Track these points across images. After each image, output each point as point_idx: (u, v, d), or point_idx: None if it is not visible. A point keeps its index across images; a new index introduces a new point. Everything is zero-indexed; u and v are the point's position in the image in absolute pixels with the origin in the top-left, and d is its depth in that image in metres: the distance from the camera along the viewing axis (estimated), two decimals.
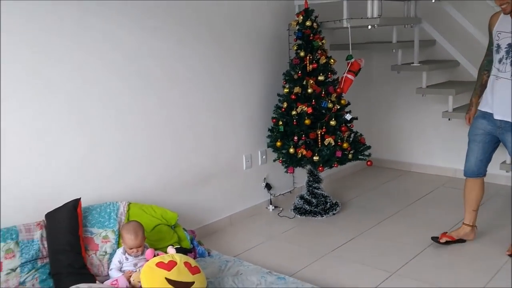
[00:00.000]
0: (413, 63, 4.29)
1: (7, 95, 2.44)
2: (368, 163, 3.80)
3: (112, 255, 2.57)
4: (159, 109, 3.18)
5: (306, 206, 3.88)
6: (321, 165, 3.62)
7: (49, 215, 2.53)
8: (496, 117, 2.86)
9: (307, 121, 3.55)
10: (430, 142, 4.87)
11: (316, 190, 3.92)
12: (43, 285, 2.36)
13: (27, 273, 2.36)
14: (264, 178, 4.04)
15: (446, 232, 3.21)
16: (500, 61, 2.81)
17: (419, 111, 4.85)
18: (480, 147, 3.01)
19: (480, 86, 3.10)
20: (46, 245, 2.46)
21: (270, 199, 4.07)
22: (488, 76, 2.97)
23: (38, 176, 2.61)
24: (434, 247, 3.19)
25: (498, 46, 2.83)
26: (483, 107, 2.98)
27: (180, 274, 2.21)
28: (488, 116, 2.93)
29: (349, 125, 3.75)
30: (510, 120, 2.80)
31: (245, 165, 3.86)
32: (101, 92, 2.85)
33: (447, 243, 3.16)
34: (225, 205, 3.74)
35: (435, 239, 3.17)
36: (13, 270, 2.33)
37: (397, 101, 5.00)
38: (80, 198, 2.59)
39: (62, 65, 2.65)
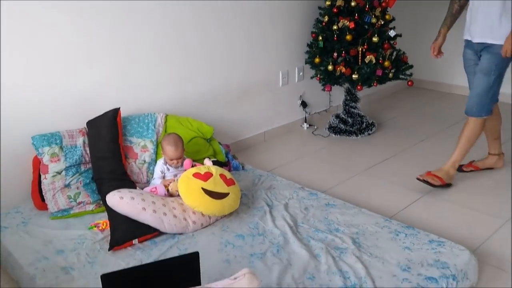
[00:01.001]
0: None
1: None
2: (409, 83, 3.67)
3: (150, 164, 2.67)
4: (195, 25, 3.11)
5: (342, 125, 3.85)
6: (360, 83, 3.53)
7: (90, 123, 2.61)
8: (475, 40, 2.76)
9: (348, 37, 3.42)
10: None
11: (352, 110, 3.86)
12: (87, 188, 2.49)
13: (72, 176, 2.48)
14: (300, 96, 4.00)
15: (473, 161, 3.14)
16: None
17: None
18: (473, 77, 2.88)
19: (450, 16, 2.95)
20: (88, 152, 2.56)
21: (305, 117, 4.05)
22: (460, 5, 2.89)
23: (80, 85, 2.66)
24: (470, 171, 3.15)
25: None
26: (465, 34, 2.87)
27: (216, 185, 2.28)
28: (470, 44, 2.82)
29: (392, 42, 3.59)
30: (488, 41, 2.69)
31: (281, 82, 3.81)
32: (143, 11, 2.80)
33: (471, 172, 3.10)
34: (260, 121, 3.75)
35: (459, 168, 3.08)
36: (59, 173, 2.46)
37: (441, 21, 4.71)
38: (119, 107, 2.64)
39: None
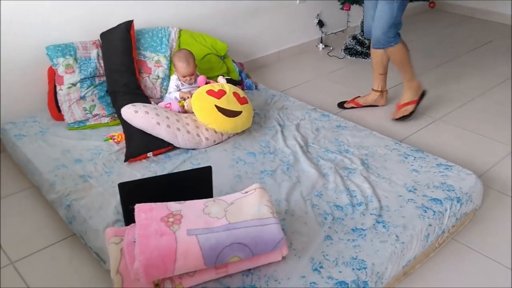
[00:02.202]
0: None
1: None
2: (431, 4, 3.55)
3: (164, 79, 2.67)
4: None
5: (358, 47, 3.77)
6: None
7: (103, 35, 2.58)
8: None
9: None
10: None
11: None
12: (101, 101, 2.52)
13: (87, 88, 2.51)
14: (317, 15, 3.88)
15: (357, 97, 3.03)
16: None
17: None
18: (373, 4, 2.67)
19: None
20: (102, 64, 2.56)
21: (321, 37, 3.96)
22: None
23: None
24: (482, 98, 3.13)
25: None
26: None
27: (229, 103, 2.30)
28: None
29: None
30: None
31: None
32: None
33: (352, 108, 2.99)
34: (275, 40, 3.68)
35: (341, 104, 3.01)
36: (74, 84, 2.48)
37: None
38: (132, 20, 2.60)
39: None
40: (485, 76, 3.42)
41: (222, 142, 2.34)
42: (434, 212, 1.86)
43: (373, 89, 3.01)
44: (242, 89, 2.86)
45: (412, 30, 4.36)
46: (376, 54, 2.83)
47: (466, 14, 4.73)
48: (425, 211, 1.86)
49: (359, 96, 3.05)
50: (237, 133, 2.38)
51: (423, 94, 2.82)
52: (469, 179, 2.05)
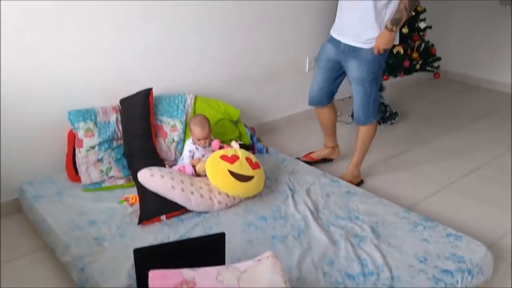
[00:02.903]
0: None
1: None
2: (436, 75, 3.68)
3: (178, 143, 2.76)
4: (230, 4, 3.15)
5: None
6: (386, 73, 3.55)
7: (123, 101, 2.70)
8: (344, 41, 2.64)
9: None
10: (502, 57, 4.58)
11: None
12: (118, 163, 2.59)
13: (104, 151, 2.59)
14: None
15: (311, 153, 3.19)
16: None
17: (498, 25, 4.50)
18: (323, 73, 2.82)
19: None
20: (120, 128, 2.66)
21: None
22: None
23: (115, 64, 2.74)
24: (489, 167, 3.18)
25: None
26: (332, 31, 2.75)
27: (242, 167, 2.36)
28: (335, 41, 2.71)
29: (421, 33, 3.58)
30: (355, 45, 2.59)
31: (307, 67, 3.84)
32: None
33: (309, 163, 3.03)
34: (285, 105, 3.81)
35: (298, 158, 3.10)
36: (92, 148, 2.57)
37: (476, 12, 4.64)
38: (152, 88, 2.72)
39: None
40: (491, 145, 3.49)
41: (234, 205, 2.39)
42: (446, 283, 1.86)
43: (325, 145, 3.18)
44: (254, 153, 2.94)
45: (418, 97, 4.50)
46: (323, 119, 3.04)
47: (470, 83, 4.89)
48: (437, 283, 1.86)
49: (313, 151, 3.20)
50: (249, 197, 2.43)
51: (360, 183, 2.94)
52: (479, 250, 2.07)
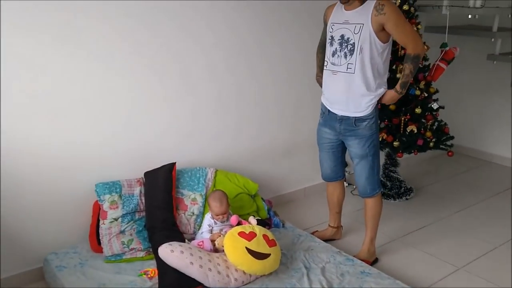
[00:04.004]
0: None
1: (120, 66, 2.73)
2: (449, 153, 3.77)
3: (198, 216, 2.86)
4: (250, 81, 3.35)
5: None
6: (400, 151, 3.65)
7: (147, 174, 2.84)
8: (336, 112, 2.72)
9: (392, 107, 3.57)
10: None
11: (392, 174, 3.97)
12: (139, 235, 2.69)
13: (127, 223, 2.70)
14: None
15: (315, 231, 3.22)
16: (333, 54, 2.64)
17: (510, 104, 4.64)
18: (330, 155, 2.93)
19: (321, 54, 2.89)
20: (143, 200, 2.78)
21: (345, 177, 4.18)
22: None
23: (141, 138, 2.91)
24: (508, 246, 3.18)
25: (332, 38, 2.64)
26: (324, 101, 2.80)
27: (259, 245, 2.44)
28: (328, 122, 2.79)
29: (434, 113, 3.71)
30: (349, 115, 2.67)
31: None
32: (203, 67, 3.07)
33: None
34: (301, 177, 3.91)
35: (312, 234, 3.13)
36: (116, 219, 2.68)
37: (488, 92, 4.80)
38: (175, 162, 2.87)
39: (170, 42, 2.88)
40: (507, 224, 3.50)
41: (250, 282, 2.44)
42: None
43: (330, 226, 3.23)
44: (270, 227, 3.01)
45: (433, 173, 4.57)
46: (333, 195, 3.11)
47: (484, 158, 4.95)
48: None
49: (317, 231, 3.24)
50: (265, 274, 2.48)
51: (375, 261, 2.96)
52: None
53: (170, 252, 2.35)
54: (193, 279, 2.33)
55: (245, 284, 2.41)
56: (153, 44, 2.82)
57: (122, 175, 2.85)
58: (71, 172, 2.71)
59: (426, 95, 3.61)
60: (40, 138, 2.57)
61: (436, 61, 3.66)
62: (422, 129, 3.63)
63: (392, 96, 2.66)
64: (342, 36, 2.58)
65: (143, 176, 2.87)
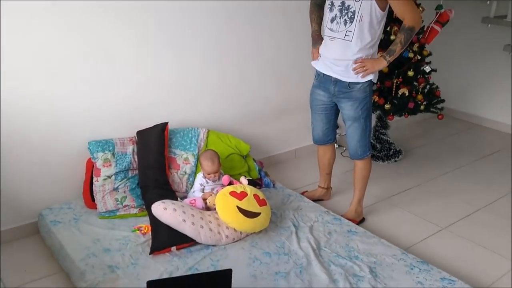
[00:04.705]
0: (506, 17, 4.07)
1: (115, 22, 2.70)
2: (439, 116, 3.82)
3: (190, 175, 2.91)
4: (246, 43, 3.33)
5: None
6: (391, 113, 3.69)
7: (140, 133, 2.86)
8: (331, 74, 2.72)
9: (384, 69, 3.57)
10: (506, 100, 4.72)
11: (382, 136, 4.03)
12: (132, 193, 2.75)
13: (120, 181, 2.75)
14: None
15: (305, 192, 3.30)
16: (332, 20, 2.63)
17: (502, 68, 4.65)
18: (323, 117, 2.96)
19: (317, 11, 2.84)
20: (136, 159, 2.81)
21: (336, 139, 4.22)
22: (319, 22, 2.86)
23: (134, 97, 2.92)
24: (487, 210, 3.29)
25: (332, 4, 2.62)
26: (319, 66, 2.81)
27: (250, 204, 2.50)
28: (323, 84, 2.81)
29: (427, 76, 3.73)
30: (345, 80, 2.68)
31: None
32: (199, 28, 3.04)
33: None
34: (292, 139, 3.95)
35: (302, 194, 3.21)
36: (109, 177, 2.73)
37: (481, 55, 4.79)
38: (167, 122, 2.89)
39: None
40: (491, 187, 3.60)
41: (240, 240, 2.52)
42: None
43: (319, 186, 3.29)
44: (261, 187, 3.07)
45: (422, 136, 4.63)
46: (324, 157, 3.16)
47: (473, 121, 5.01)
48: None
49: (306, 191, 3.32)
50: (255, 232, 2.56)
51: (362, 221, 3.04)
52: None
53: (163, 210, 2.41)
54: (185, 236, 2.40)
55: (236, 241, 2.49)
56: (152, 1, 2.78)
57: (115, 134, 2.87)
58: (64, 130, 2.73)
59: (419, 57, 3.62)
60: (34, 97, 2.58)
61: (431, 23, 3.65)
62: (414, 92, 3.65)
63: (377, 61, 2.65)
64: (343, 3, 2.57)
65: (135, 135, 2.89)
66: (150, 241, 2.42)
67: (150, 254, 2.35)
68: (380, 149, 4.01)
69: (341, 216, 2.88)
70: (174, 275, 2.20)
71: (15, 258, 2.54)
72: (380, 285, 2.22)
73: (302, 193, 3.25)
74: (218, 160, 2.77)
